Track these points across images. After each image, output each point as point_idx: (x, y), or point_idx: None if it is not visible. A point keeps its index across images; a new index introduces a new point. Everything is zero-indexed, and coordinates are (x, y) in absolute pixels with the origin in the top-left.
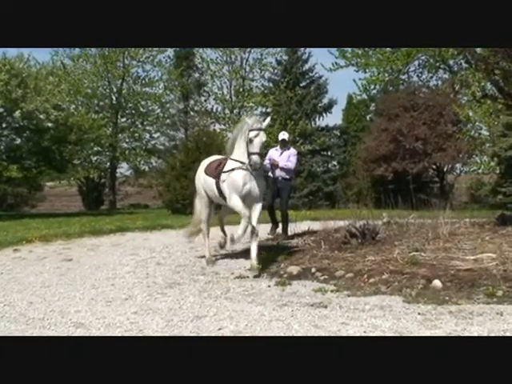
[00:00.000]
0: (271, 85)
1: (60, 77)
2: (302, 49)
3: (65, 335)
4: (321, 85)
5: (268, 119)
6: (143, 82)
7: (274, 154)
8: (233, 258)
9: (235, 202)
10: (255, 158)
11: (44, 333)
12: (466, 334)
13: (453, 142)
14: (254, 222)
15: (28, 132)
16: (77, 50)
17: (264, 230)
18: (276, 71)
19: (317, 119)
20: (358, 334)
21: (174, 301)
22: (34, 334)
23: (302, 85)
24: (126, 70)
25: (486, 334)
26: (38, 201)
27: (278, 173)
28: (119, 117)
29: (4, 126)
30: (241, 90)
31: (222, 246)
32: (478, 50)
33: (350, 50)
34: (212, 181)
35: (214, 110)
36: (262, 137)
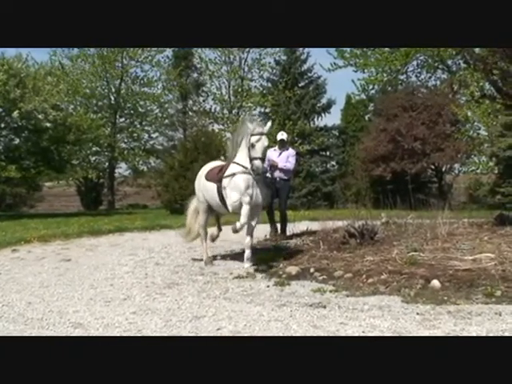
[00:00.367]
0: (270, 85)
1: (58, 77)
2: (301, 49)
3: (63, 335)
4: (319, 85)
5: (269, 123)
6: (142, 82)
7: (272, 154)
8: (231, 258)
9: (235, 199)
10: (257, 162)
11: (43, 333)
12: (465, 333)
13: (451, 142)
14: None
15: (26, 132)
16: (75, 50)
17: (263, 231)
18: (275, 71)
19: (315, 119)
20: (356, 334)
21: (172, 301)
22: (33, 334)
23: (300, 85)
24: (125, 70)
25: (484, 334)
26: (37, 201)
27: (277, 173)
28: (118, 117)
29: (2, 126)
30: (239, 90)
31: (213, 239)
32: (477, 50)
33: (348, 50)
34: (213, 186)
35: (213, 110)
36: (264, 141)
